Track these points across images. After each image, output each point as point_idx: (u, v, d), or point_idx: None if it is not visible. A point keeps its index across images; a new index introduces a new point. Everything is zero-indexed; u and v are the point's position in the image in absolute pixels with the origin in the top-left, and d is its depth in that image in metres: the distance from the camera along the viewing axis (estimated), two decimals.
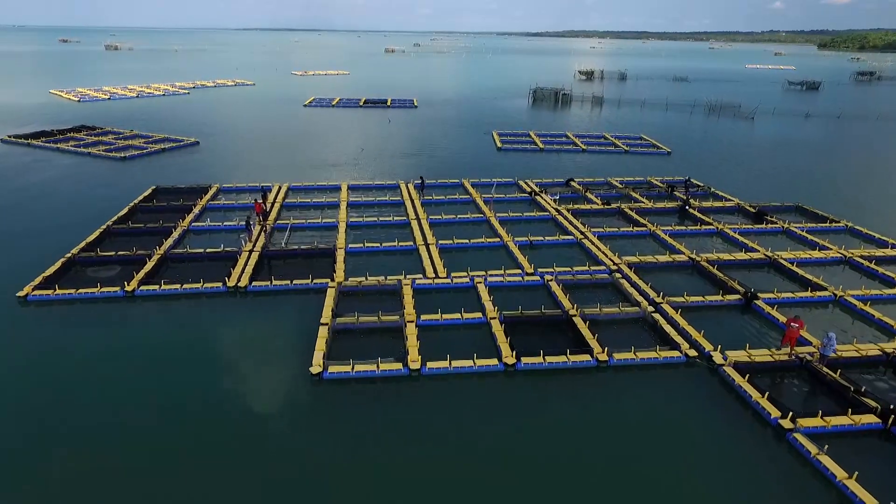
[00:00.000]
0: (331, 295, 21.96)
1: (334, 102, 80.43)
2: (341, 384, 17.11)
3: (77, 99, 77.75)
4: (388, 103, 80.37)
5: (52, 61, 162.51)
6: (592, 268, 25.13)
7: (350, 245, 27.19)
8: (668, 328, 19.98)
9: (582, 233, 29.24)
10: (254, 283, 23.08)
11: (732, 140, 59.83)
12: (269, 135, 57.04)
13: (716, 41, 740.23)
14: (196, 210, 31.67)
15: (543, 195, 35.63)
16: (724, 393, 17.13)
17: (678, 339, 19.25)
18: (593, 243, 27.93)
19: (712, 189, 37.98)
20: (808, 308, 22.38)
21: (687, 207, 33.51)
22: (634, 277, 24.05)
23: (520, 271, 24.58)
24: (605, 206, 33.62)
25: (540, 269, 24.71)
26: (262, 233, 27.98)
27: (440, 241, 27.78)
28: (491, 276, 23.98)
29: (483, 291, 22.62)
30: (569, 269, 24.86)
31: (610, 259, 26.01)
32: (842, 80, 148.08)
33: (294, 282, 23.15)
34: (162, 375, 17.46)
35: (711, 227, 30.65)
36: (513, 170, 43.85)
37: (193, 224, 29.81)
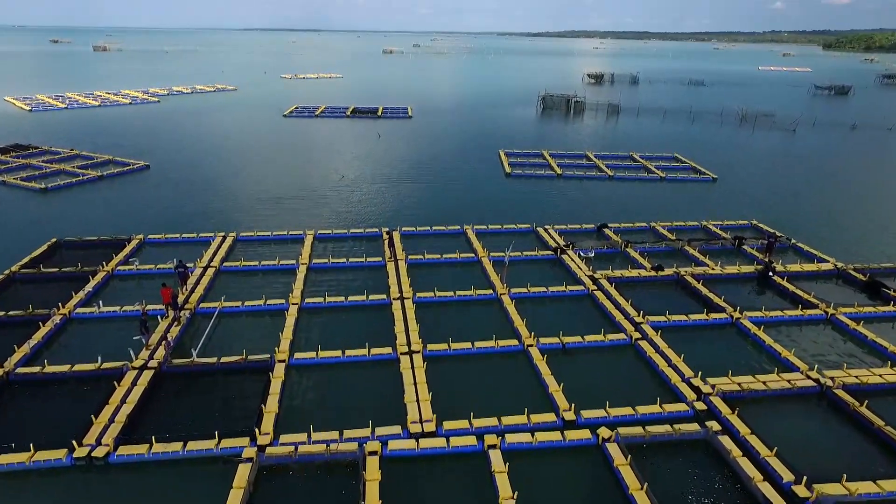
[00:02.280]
0: (242, 477, 13.05)
1: (318, 112, 71.44)
2: None
3: (29, 108, 68.84)
4: (380, 113, 71.39)
5: (29, 64, 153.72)
6: (668, 407, 16.10)
7: (297, 356, 18.22)
8: None
9: (636, 325, 20.30)
10: (120, 452, 14.07)
11: (785, 161, 50.76)
12: (235, 155, 48.07)
13: (718, 41, 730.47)
14: (91, 285, 22.69)
15: (571, 252, 26.67)
16: None
17: None
18: (656, 345, 19.00)
19: (793, 241, 28.95)
20: None
21: (771, 274, 24.51)
22: (740, 426, 15.08)
23: (554, 417, 15.57)
24: (659, 275, 24.63)
25: (586, 414, 15.71)
26: (165, 342, 18.64)
27: (429, 348, 18.79)
28: (510, 431, 15.00)
29: (498, 462, 13.70)
30: (631, 410, 15.83)
31: (690, 385, 17.01)
32: (866, 83, 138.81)
33: (188, 448, 14.15)
34: None
35: (817, 310, 21.65)
36: (527, 206, 34.91)
37: (77, 311, 20.80)
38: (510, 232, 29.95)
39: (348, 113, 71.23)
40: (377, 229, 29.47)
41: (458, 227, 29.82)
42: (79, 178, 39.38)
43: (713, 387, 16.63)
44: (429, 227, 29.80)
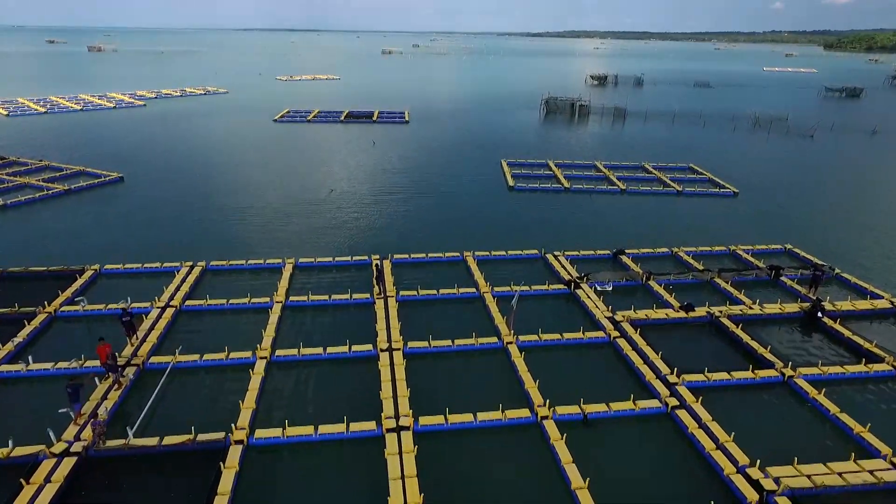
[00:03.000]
0: None
1: (311, 116, 68.00)
2: None
3: (6, 113, 65.41)
4: (375, 117, 67.99)
5: (19, 65, 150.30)
6: None
7: (258, 435, 14.83)
8: None
9: (671, 387, 16.90)
10: None
11: (809, 172, 47.38)
12: (216, 165, 44.69)
13: (718, 41, 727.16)
14: (26, 332, 19.29)
15: (586, 286, 23.30)
16: None
17: None
18: (698, 417, 15.62)
19: (837, 271, 25.56)
20: None
21: (820, 315, 21.11)
22: None
23: None
24: (690, 316, 21.25)
25: None
26: (93, 420, 14.91)
27: (421, 423, 15.39)
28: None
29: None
30: None
31: (747, 478, 13.61)
32: (875, 84, 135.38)
33: None
34: None
35: (884, 364, 18.24)
36: (533, 227, 31.54)
37: (0, 368, 17.42)
38: (516, 259, 26.58)
39: (342, 118, 67.85)
40: (366, 256, 26.08)
41: (458, 255, 26.44)
42: (44, 192, 36.09)
43: (777, 481, 13.24)
44: (424, 255, 26.41)
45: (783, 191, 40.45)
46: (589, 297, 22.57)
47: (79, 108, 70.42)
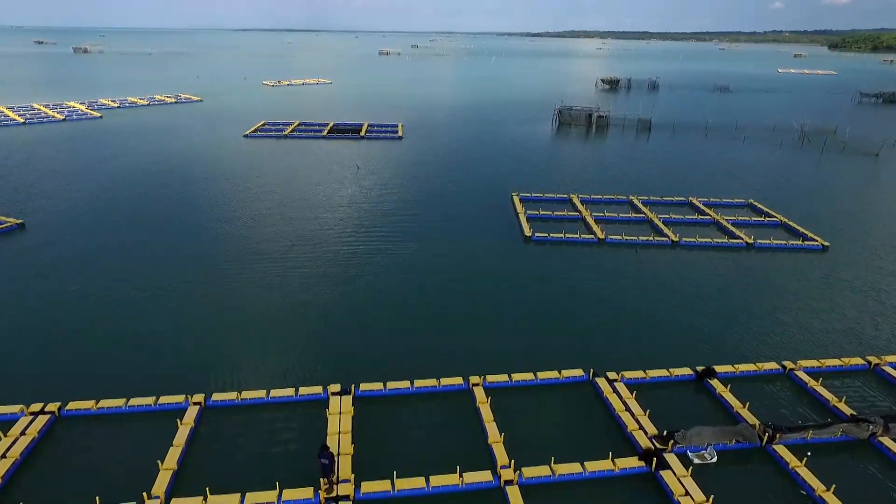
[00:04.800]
0: None
1: (289, 130, 58.71)
2: None
3: None
4: (363, 132, 58.69)
5: None
6: None
7: None
8: None
9: None
10: None
11: None
12: (147, 206, 35.22)
13: (719, 41, 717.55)
14: None
15: (675, 458, 14.09)
16: None
17: None
18: None
19: None
20: None
21: None
22: None
23: None
24: None
25: None
26: None
27: None
28: None
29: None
30: None
31: None
32: None
33: None
34: None
35: None
36: (566, 312, 22.29)
37: None
38: (548, 385, 17.37)
39: (325, 132, 58.58)
40: (320, 390, 16.80)
41: (462, 383, 17.20)
42: None
43: None
44: (408, 384, 17.12)
45: (880, 241, 31.22)
46: (679, 481, 13.37)
47: (21, 120, 61.06)
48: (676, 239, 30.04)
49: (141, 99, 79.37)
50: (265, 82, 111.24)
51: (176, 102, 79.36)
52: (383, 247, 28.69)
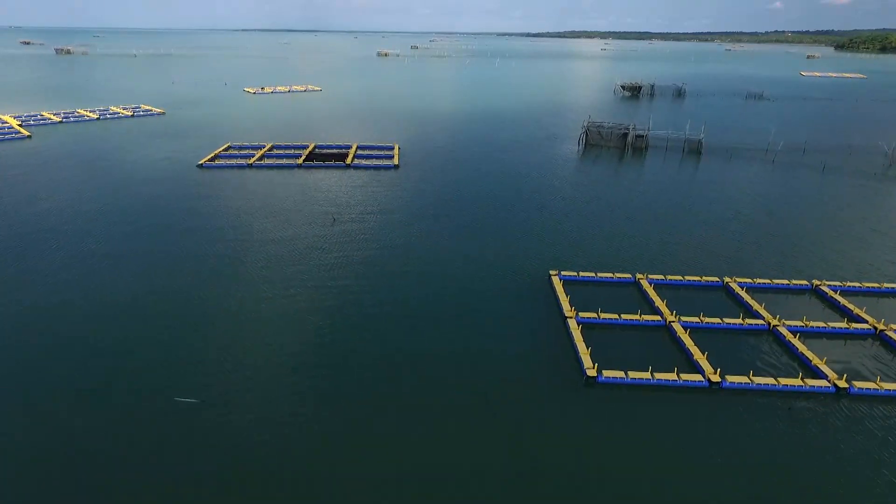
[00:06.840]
0: None
1: (256, 157, 46.89)
2: None
3: None
4: (350, 159, 46.92)
5: None
6: None
7: None
8: None
9: None
10: None
11: None
12: (41, 281, 23.72)
13: (722, 42, 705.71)
14: None
15: None
16: None
17: None
18: None
19: None
20: None
21: None
22: None
23: None
24: None
25: None
26: None
27: None
28: None
29: None
30: None
31: None
32: None
33: None
34: None
35: None
36: None
37: None
38: None
39: (302, 158, 46.85)
40: None
41: None
42: None
43: None
44: None
45: None
46: None
47: None
48: (845, 385, 18.12)
49: (91, 112, 67.54)
50: (247, 89, 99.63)
51: (132, 116, 67.56)
52: (354, 394, 16.94)
